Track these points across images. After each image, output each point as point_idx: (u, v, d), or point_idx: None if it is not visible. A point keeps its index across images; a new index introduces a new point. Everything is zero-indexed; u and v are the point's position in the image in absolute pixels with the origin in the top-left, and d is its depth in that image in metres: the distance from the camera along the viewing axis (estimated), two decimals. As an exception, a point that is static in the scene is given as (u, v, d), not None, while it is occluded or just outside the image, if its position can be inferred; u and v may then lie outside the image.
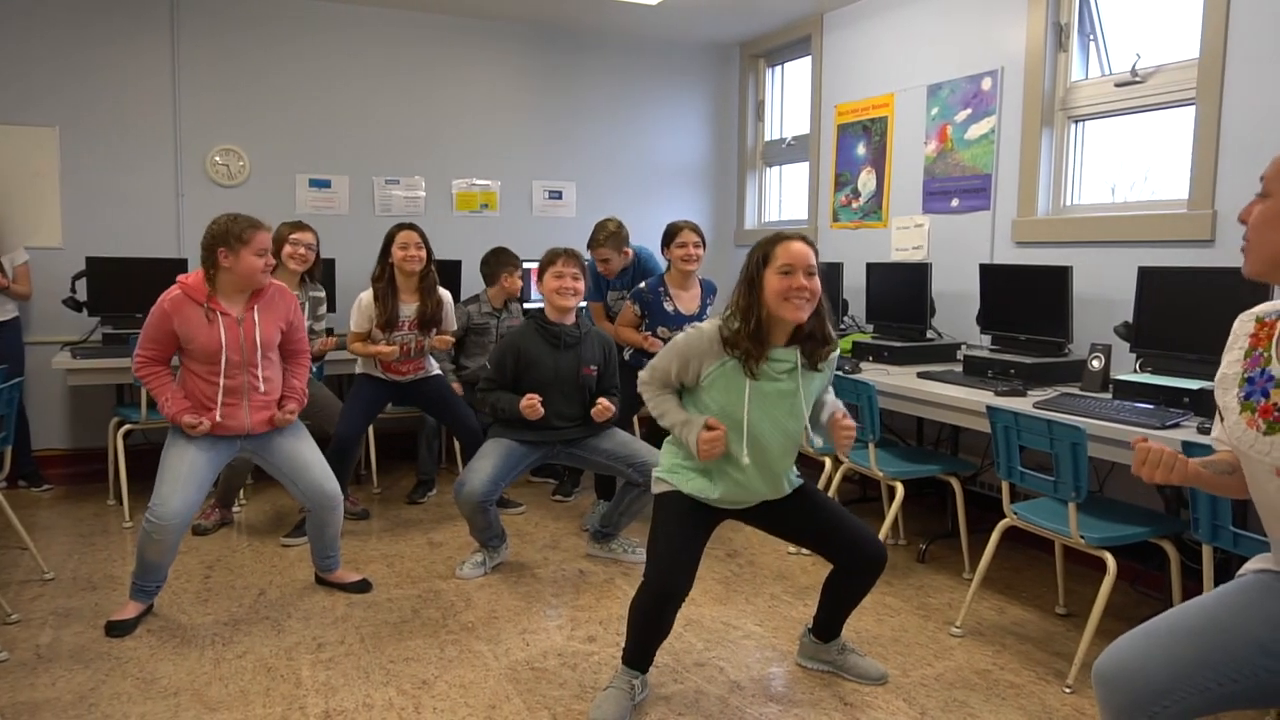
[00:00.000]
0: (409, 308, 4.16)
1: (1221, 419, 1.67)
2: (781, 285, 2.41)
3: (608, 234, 4.44)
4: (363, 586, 3.49)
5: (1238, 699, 1.60)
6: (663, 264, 4.75)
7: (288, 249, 4.07)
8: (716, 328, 2.52)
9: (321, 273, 4.37)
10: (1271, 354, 1.60)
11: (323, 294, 4.39)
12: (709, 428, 2.50)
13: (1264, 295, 1.70)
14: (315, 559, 3.48)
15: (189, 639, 3.06)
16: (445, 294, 4.27)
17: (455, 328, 4.35)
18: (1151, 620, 1.69)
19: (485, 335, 4.69)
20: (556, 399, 3.57)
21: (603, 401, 3.59)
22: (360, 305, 4.15)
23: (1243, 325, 1.69)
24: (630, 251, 4.54)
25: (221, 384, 3.12)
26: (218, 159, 5.18)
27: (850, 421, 2.60)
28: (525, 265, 4.95)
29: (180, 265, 4.78)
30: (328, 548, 3.45)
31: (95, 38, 4.92)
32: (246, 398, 3.18)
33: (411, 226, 4.16)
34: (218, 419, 3.13)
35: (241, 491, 4.58)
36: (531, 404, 3.48)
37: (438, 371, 4.34)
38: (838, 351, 2.64)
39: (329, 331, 4.52)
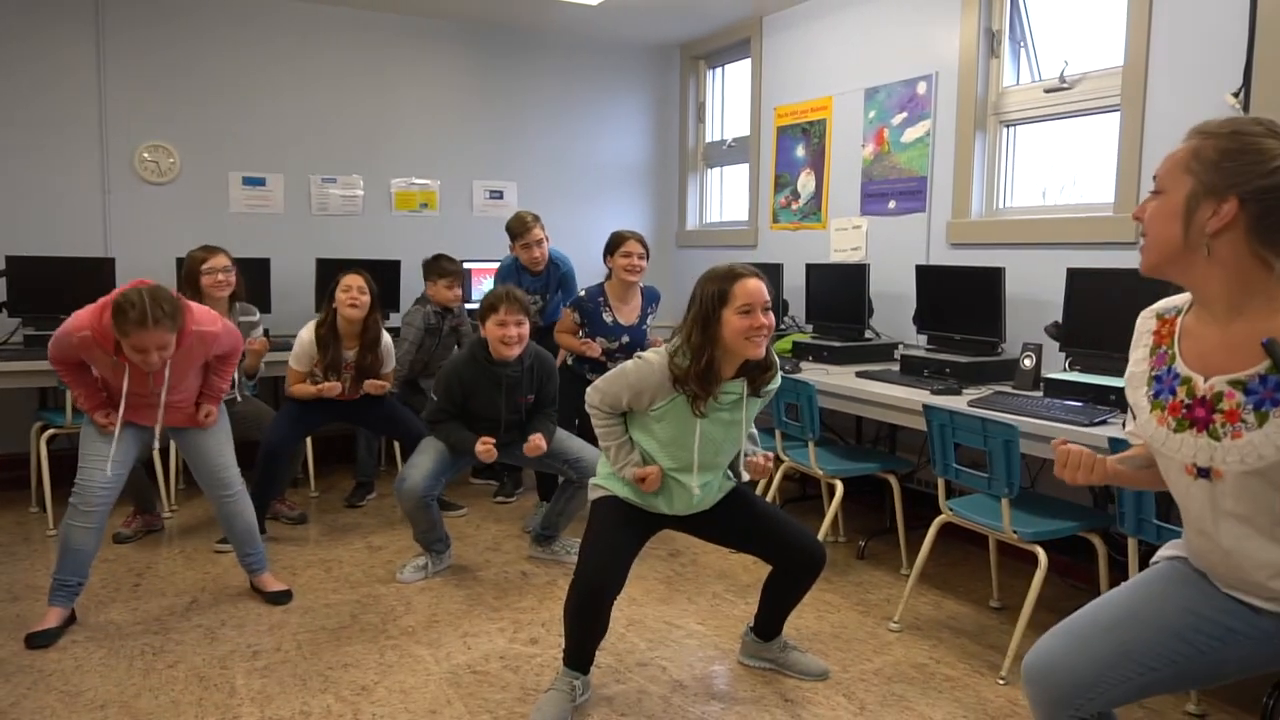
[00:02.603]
0: (350, 353, 4.05)
1: (1134, 416, 1.72)
2: (743, 325, 2.41)
3: (531, 216, 4.49)
4: (282, 598, 3.40)
5: (1159, 685, 1.65)
6: (574, 266, 4.74)
7: (204, 279, 3.92)
8: (666, 363, 2.50)
9: (246, 293, 4.17)
10: (1175, 351, 1.64)
11: (255, 317, 4.25)
12: (640, 479, 2.58)
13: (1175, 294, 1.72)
14: (238, 558, 3.41)
15: (117, 650, 2.97)
16: (387, 341, 4.15)
17: (392, 366, 4.22)
18: (1073, 616, 1.73)
19: (434, 337, 4.61)
20: (502, 422, 3.59)
21: (535, 439, 3.53)
22: (302, 343, 4.01)
23: (1145, 323, 1.72)
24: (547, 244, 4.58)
25: (124, 403, 3.07)
26: (146, 155, 5.04)
27: (767, 464, 2.67)
28: (466, 266, 4.91)
29: (107, 265, 4.64)
30: (243, 543, 3.37)
31: (17, 30, 4.75)
32: (161, 409, 3.14)
33: (358, 271, 4.02)
34: (135, 421, 3.13)
35: (171, 495, 4.47)
36: (487, 448, 3.47)
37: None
38: (779, 381, 2.65)
39: (266, 333, 4.42)
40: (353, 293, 3.96)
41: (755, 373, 2.55)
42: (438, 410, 3.60)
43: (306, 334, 4.02)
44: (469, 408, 3.58)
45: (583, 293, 4.14)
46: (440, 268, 4.56)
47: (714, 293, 2.45)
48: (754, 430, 2.76)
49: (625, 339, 4.12)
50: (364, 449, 4.75)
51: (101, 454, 3.05)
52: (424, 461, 3.53)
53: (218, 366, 3.27)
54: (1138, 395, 1.69)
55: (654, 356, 2.54)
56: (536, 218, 4.52)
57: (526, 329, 3.54)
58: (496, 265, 4.86)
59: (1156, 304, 1.73)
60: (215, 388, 3.27)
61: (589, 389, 2.65)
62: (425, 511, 3.55)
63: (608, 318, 4.09)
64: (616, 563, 2.52)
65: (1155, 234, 1.57)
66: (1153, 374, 1.67)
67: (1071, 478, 1.70)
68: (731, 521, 2.72)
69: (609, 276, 4.15)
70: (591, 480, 2.72)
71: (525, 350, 3.58)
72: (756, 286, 2.44)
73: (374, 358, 4.07)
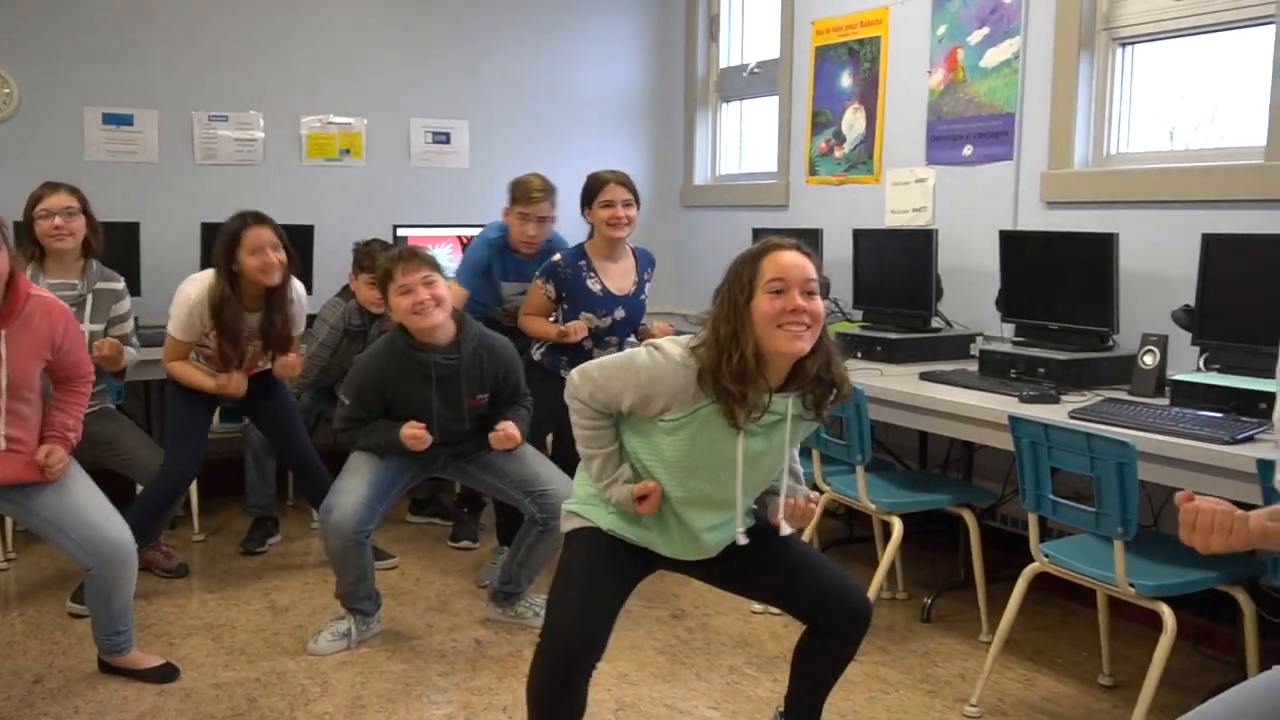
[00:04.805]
0: (252, 317, 4.03)
1: None
2: (772, 308, 2.39)
3: (544, 184, 4.35)
4: (166, 674, 3.40)
5: None
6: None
7: (40, 226, 3.88)
8: (688, 360, 2.47)
9: (103, 247, 4.10)
10: None
11: (119, 284, 4.20)
12: (639, 497, 2.56)
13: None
14: (98, 637, 3.38)
15: (-66, 745, 2.97)
16: (300, 294, 4.15)
17: (302, 330, 4.23)
18: (1209, 704, 1.71)
19: (356, 342, 4.58)
20: (437, 429, 3.57)
21: (505, 427, 3.56)
22: (189, 303, 3.94)
23: None
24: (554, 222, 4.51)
25: None
26: (-27, 85, 5.05)
27: (815, 507, 2.67)
28: (403, 234, 4.89)
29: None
30: (116, 621, 3.34)
31: None
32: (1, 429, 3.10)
33: (261, 220, 3.92)
34: None
35: (8, 539, 4.47)
36: (415, 434, 3.47)
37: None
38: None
39: (136, 327, 4.39)
40: (265, 254, 3.87)
41: (816, 389, 2.51)
42: (347, 419, 3.62)
43: (195, 291, 3.94)
44: (392, 415, 3.58)
45: (557, 258, 4.13)
46: (368, 258, 4.44)
47: (743, 272, 2.45)
48: (798, 463, 2.74)
49: (620, 313, 4.13)
50: (255, 470, 4.70)
51: None
52: (355, 485, 3.53)
53: (63, 395, 3.27)
54: None
55: (674, 349, 2.50)
56: (552, 190, 4.42)
57: (441, 288, 3.52)
58: (441, 234, 4.84)
59: None
60: (59, 426, 3.23)
61: (573, 373, 2.62)
62: (357, 554, 3.54)
63: (594, 285, 4.09)
64: (594, 622, 2.49)
65: None
66: None
67: (1204, 545, 1.66)
68: (751, 562, 2.69)
69: (591, 234, 4.16)
70: (566, 505, 2.69)
71: (464, 333, 3.58)
72: (794, 261, 2.43)
73: (282, 320, 4.04)
